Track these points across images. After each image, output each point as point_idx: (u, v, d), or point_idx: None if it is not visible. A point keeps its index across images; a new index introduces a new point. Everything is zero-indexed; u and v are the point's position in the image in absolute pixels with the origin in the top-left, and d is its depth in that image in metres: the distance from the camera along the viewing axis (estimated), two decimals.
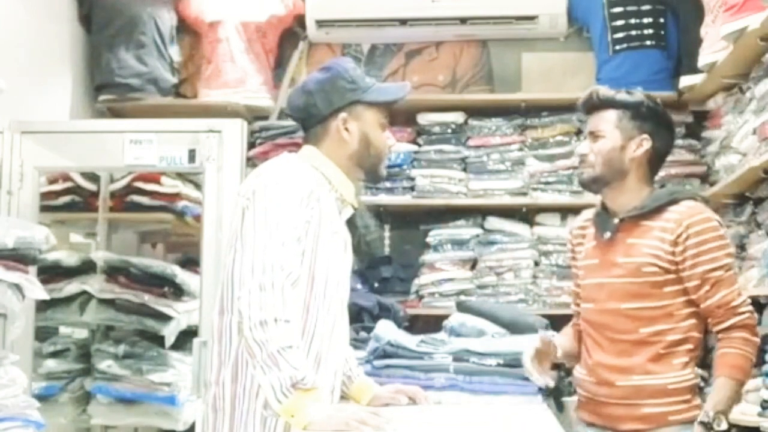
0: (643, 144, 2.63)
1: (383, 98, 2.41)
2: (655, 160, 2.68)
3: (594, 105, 2.70)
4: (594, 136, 2.67)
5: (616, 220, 2.63)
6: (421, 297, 4.25)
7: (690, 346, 2.60)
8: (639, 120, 2.64)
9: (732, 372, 2.51)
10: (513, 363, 2.85)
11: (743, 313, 2.55)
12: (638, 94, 2.68)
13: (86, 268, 4.11)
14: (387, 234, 4.46)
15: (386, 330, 3.14)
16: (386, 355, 3.03)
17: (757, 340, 2.55)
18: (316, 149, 2.38)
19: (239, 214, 2.24)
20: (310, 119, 2.40)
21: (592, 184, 2.68)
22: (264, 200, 2.21)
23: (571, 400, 3.32)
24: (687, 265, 2.52)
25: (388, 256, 4.38)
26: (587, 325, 2.68)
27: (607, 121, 2.65)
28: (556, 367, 3.22)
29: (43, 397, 3.63)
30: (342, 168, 2.37)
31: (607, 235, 2.62)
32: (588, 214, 2.79)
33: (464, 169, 4.33)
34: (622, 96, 2.67)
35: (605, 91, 2.70)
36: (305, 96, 2.39)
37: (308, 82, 2.43)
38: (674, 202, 2.59)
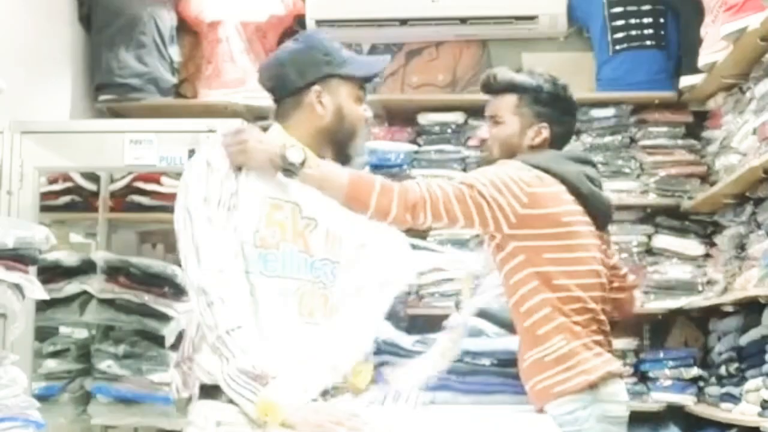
0: (542, 132, 2.56)
1: (360, 73, 2.32)
2: (554, 146, 2.60)
3: (492, 88, 2.64)
4: (493, 120, 2.62)
5: None
6: (421, 297, 4.25)
7: (546, 310, 2.39)
8: (538, 106, 2.56)
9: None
10: (507, 362, 2.85)
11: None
12: (539, 77, 2.60)
13: (86, 268, 4.10)
14: None
15: (382, 329, 3.13)
16: (381, 353, 3.02)
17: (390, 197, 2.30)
18: (281, 128, 2.29)
19: None
20: (281, 91, 2.30)
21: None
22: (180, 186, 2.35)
23: None
24: None
25: None
26: None
27: (506, 106, 2.59)
28: None
29: (43, 397, 3.62)
30: (307, 144, 2.25)
31: None
32: None
33: (464, 169, 4.33)
34: (521, 78, 2.59)
35: (504, 73, 2.63)
36: (277, 67, 2.31)
37: (281, 52, 2.34)
38: None
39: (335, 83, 2.29)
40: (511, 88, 2.59)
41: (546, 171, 2.44)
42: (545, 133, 2.56)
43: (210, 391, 2.11)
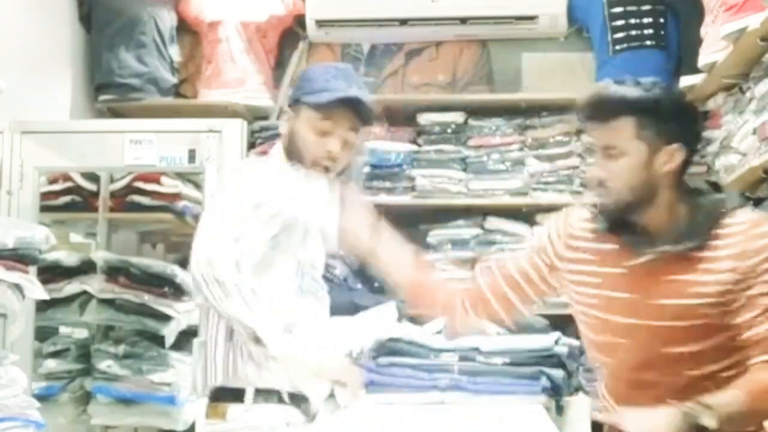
0: (675, 155, 2.04)
1: (314, 100, 2.44)
2: (689, 165, 2.10)
3: (601, 112, 2.08)
4: (608, 153, 2.06)
5: (657, 247, 2.04)
6: None
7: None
8: (663, 123, 2.04)
9: (752, 390, 1.96)
10: (519, 362, 2.84)
11: None
12: (655, 88, 2.06)
13: (86, 268, 4.11)
14: None
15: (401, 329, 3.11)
16: (390, 352, 2.99)
17: None
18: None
19: None
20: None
21: (617, 215, 2.09)
22: None
23: (571, 401, 3.31)
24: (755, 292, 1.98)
25: None
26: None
27: (624, 132, 2.04)
28: (562, 366, 3.20)
29: (43, 397, 3.63)
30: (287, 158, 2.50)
31: (641, 252, 2.06)
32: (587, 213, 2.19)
33: (464, 169, 4.33)
34: (636, 94, 2.05)
35: (614, 90, 2.07)
36: None
37: None
38: (723, 216, 2.05)
39: (301, 109, 2.48)
40: (625, 108, 2.04)
41: None
42: (680, 155, 2.05)
43: (266, 396, 2.37)
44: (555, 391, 2.96)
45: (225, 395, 2.42)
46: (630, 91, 2.06)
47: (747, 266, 1.97)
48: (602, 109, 2.07)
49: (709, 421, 1.87)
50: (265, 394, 2.40)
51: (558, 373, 2.83)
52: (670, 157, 2.04)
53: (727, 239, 2.01)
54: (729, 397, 1.93)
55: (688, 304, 2.00)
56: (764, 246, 1.98)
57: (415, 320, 3.30)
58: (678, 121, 2.06)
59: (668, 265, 2.02)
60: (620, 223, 2.10)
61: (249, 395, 2.39)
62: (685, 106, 2.15)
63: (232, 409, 2.39)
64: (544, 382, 2.91)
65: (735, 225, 2.02)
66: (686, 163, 2.07)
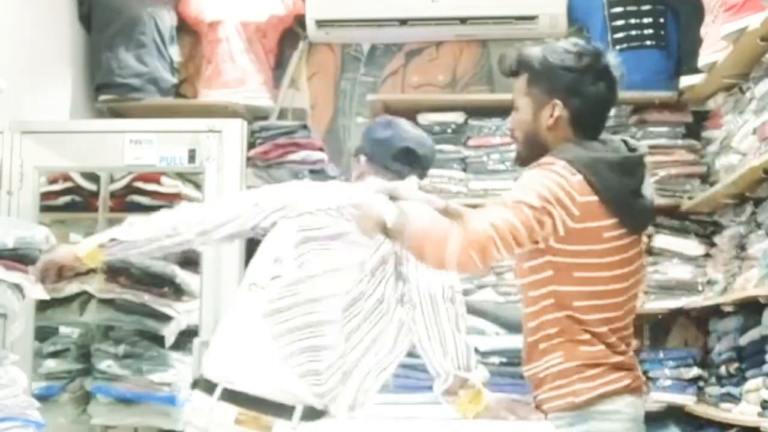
0: (555, 110, 2.26)
1: None
2: (582, 120, 2.28)
3: (506, 71, 2.36)
4: (514, 107, 2.35)
5: None
6: None
7: (552, 330, 2.26)
8: (546, 81, 2.26)
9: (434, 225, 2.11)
10: (516, 362, 2.84)
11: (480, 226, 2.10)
12: (546, 47, 2.31)
13: (86, 268, 4.10)
14: None
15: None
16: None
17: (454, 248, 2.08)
18: None
19: None
20: None
21: (522, 163, 2.37)
22: None
23: None
24: None
25: None
26: None
27: (519, 89, 2.32)
28: None
29: (43, 397, 3.63)
30: None
31: None
32: None
33: (464, 169, 4.33)
34: (526, 54, 2.30)
35: (519, 50, 2.33)
36: None
37: None
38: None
39: None
40: (520, 65, 2.31)
41: (586, 180, 2.20)
42: (559, 110, 2.26)
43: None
44: None
45: (264, 407, 2.32)
46: (529, 51, 2.30)
47: None
48: (505, 70, 2.36)
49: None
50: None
51: None
52: (551, 111, 2.26)
53: None
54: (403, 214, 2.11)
55: None
56: (528, 172, 2.27)
57: None
58: (554, 76, 2.25)
59: None
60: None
61: (297, 413, 2.29)
62: (563, 62, 2.26)
63: (279, 425, 2.30)
64: None
65: None
66: (575, 115, 2.26)
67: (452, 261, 2.08)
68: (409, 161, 2.59)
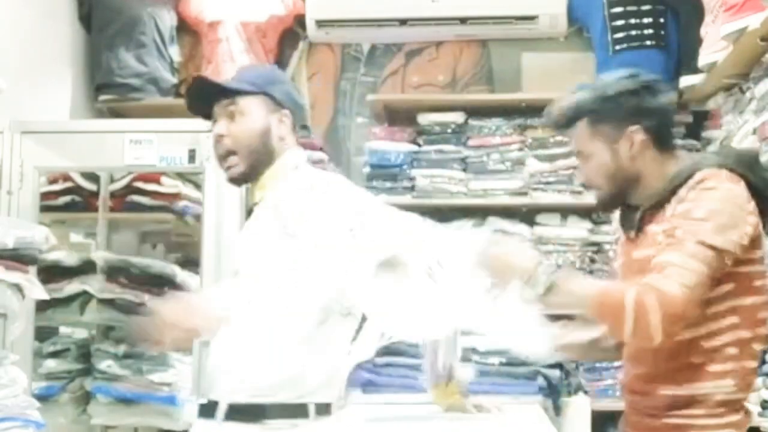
0: (635, 137, 2.18)
1: None
2: (662, 135, 2.22)
3: (559, 124, 2.31)
4: (581, 157, 2.26)
5: (638, 214, 2.20)
6: None
7: (731, 350, 2.10)
8: (614, 114, 2.20)
9: (600, 292, 2.06)
10: (516, 362, 2.84)
11: (663, 277, 2.00)
12: (596, 86, 2.27)
13: (86, 268, 4.10)
14: None
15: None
16: (388, 352, 3.00)
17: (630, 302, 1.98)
18: None
19: None
20: None
21: (613, 206, 2.30)
22: None
23: (569, 401, 3.31)
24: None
25: None
26: None
27: (581, 137, 2.24)
28: (559, 366, 3.20)
29: (43, 397, 3.63)
30: None
31: (632, 234, 2.22)
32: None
33: (464, 169, 4.33)
34: (576, 101, 2.25)
35: (565, 101, 2.28)
36: None
37: None
38: (694, 174, 2.12)
39: None
40: (576, 115, 2.24)
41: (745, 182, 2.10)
42: (638, 136, 2.18)
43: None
44: (552, 391, 2.97)
45: (277, 411, 2.20)
46: (575, 98, 2.25)
47: (677, 212, 2.07)
48: (559, 122, 2.28)
49: (534, 290, 2.04)
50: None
51: (554, 373, 2.84)
52: (630, 141, 2.17)
53: (680, 192, 2.10)
54: (576, 284, 2.08)
55: (648, 255, 2.08)
56: (695, 196, 2.06)
57: None
58: (620, 106, 2.19)
59: (647, 224, 2.16)
60: (626, 214, 2.23)
61: (311, 410, 2.20)
62: (623, 89, 2.21)
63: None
64: (540, 382, 2.92)
65: (691, 180, 2.10)
66: (654, 133, 2.19)
67: (657, 336, 1.96)
68: None
